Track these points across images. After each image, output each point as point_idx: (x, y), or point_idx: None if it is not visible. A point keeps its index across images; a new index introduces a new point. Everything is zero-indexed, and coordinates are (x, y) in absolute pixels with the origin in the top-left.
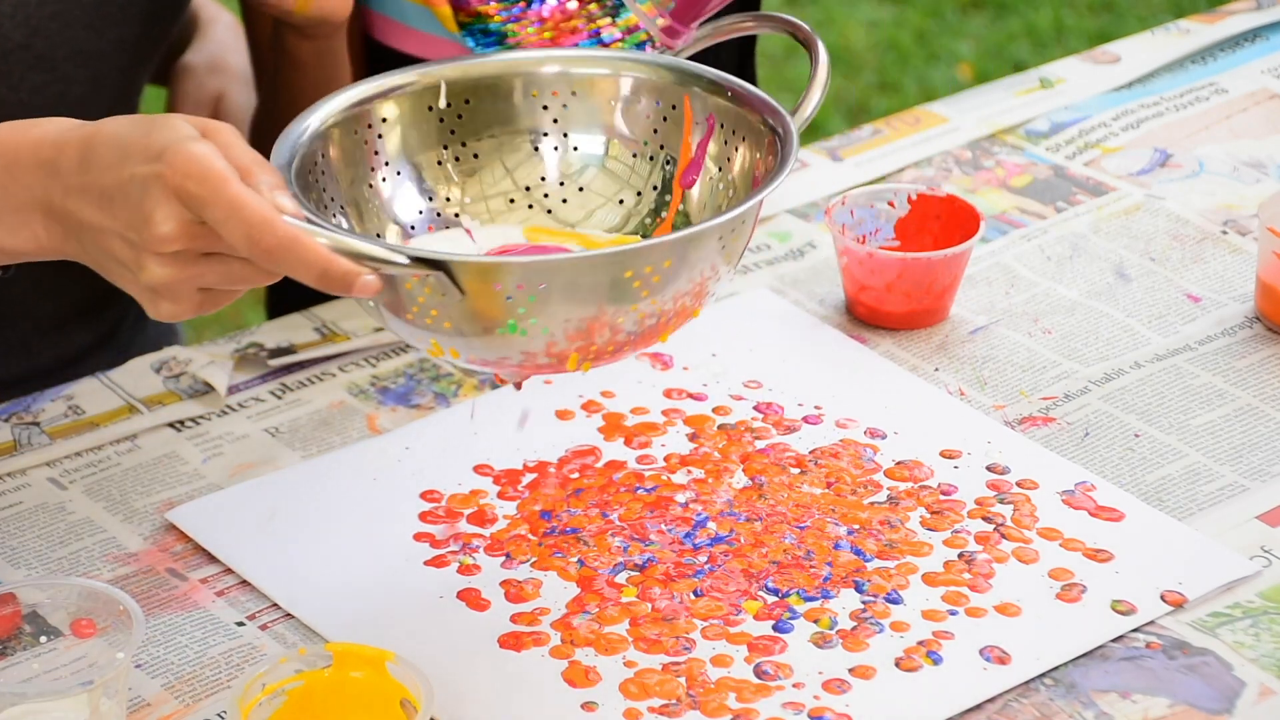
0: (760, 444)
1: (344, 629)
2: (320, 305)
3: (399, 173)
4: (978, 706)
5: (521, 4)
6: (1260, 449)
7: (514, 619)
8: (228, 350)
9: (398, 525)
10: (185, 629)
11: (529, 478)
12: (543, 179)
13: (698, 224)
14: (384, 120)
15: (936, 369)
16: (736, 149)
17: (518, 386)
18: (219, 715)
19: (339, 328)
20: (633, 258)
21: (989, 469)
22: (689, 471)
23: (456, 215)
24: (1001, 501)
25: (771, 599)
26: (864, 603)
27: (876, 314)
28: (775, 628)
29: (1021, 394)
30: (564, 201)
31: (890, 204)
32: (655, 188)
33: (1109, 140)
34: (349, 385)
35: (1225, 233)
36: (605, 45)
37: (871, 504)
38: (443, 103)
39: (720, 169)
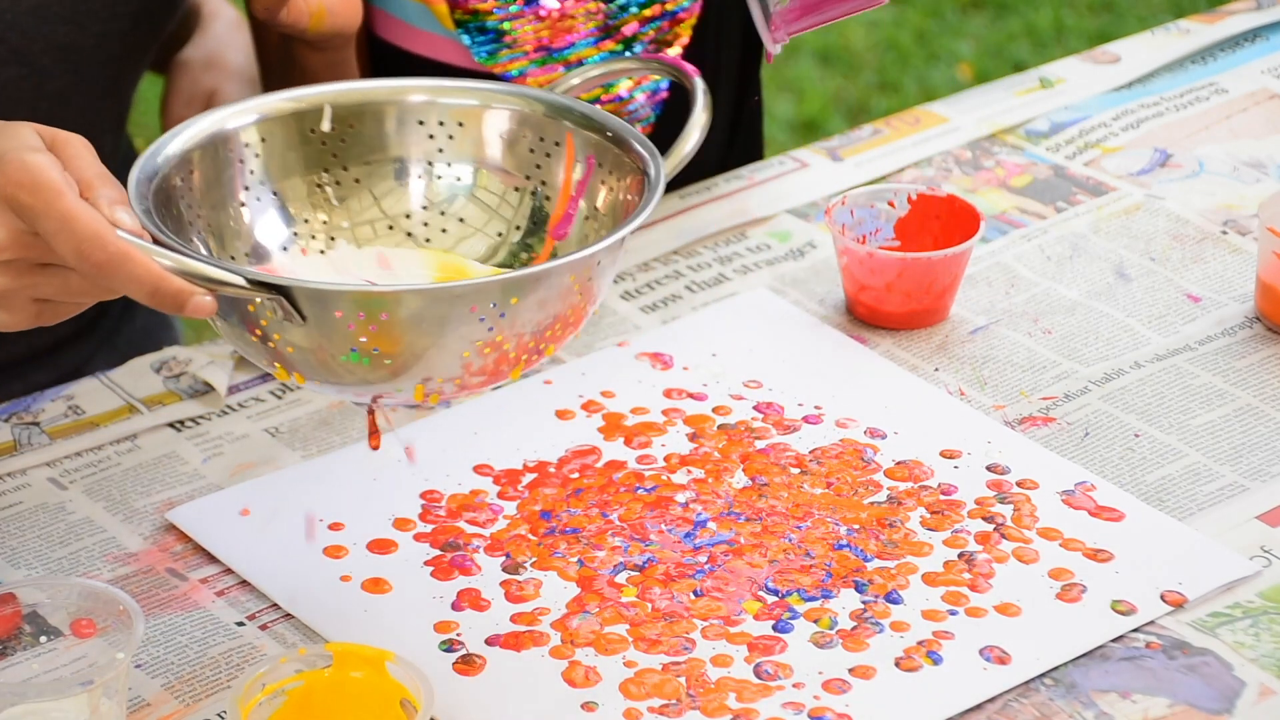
0: (760, 444)
1: (344, 629)
2: None
3: (265, 197)
4: (978, 706)
5: (520, 1)
6: (1260, 449)
7: (514, 619)
8: (228, 350)
9: (397, 525)
10: (185, 629)
11: (529, 478)
12: (420, 207)
13: (560, 257)
14: (260, 141)
15: (936, 369)
16: (609, 185)
17: (370, 412)
18: (219, 715)
19: None
20: (476, 293)
21: (989, 469)
22: (689, 471)
23: (320, 247)
24: (1001, 501)
25: (771, 599)
26: (864, 603)
27: (876, 314)
28: (775, 628)
29: (1021, 394)
30: (442, 231)
31: (890, 204)
32: (522, 223)
33: (1109, 140)
34: None
35: (1225, 233)
36: (606, 42)
37: (871, 504)
38: (326, 125)
39: (589, 204)
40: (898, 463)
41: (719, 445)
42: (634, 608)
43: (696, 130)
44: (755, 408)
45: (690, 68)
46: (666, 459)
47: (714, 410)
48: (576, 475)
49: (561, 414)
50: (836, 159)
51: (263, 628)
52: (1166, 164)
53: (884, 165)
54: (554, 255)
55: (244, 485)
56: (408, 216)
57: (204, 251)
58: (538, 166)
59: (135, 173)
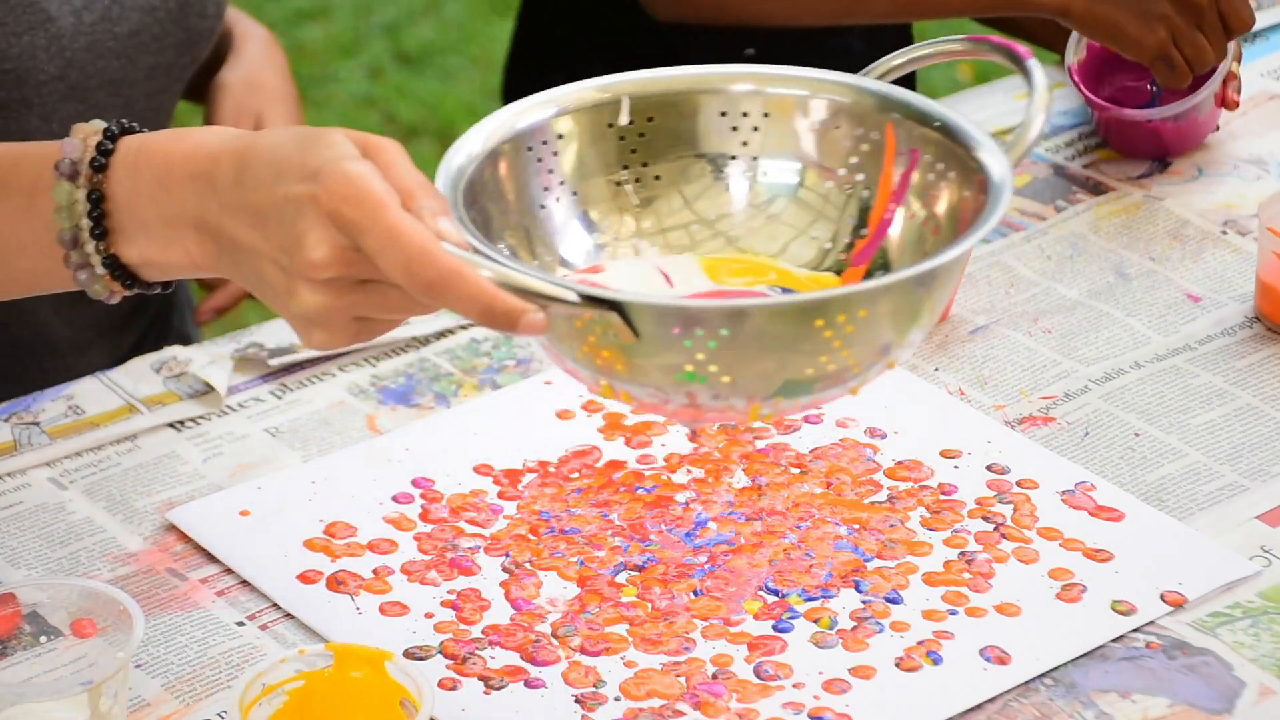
0: (760, 444)
1: (344, 629)
2: None
3: (573, 194)
4: (978, 706)
5: None
6: (1260, 449)
7: (514, 619)
8: (228, 350)
9: (398, 525)
10: (185, 629)
11: (529, 478)
12: (728, 211)
13: (898, 267)
14: (559, 137)
15: (936, 369)
16: (942, 185)
17: (692, 438)
18: (219, 715)
19: None
20: (825, 306)
21: (989, 469)
22: (689, 471)
23: (629, 252)
24: (1001, 501)
25: (771, 599)
26: (864, 603)
27: None
28: (775, 628)
29: (1021, 394)
30: (750, 233)
31: None
32: (851, 220)
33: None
34: (349, 385)
35: (1225, 233)
36: None
37: (871, 504)
38: (624, 119)
39: (923, 205)
40: (898, 463)
41: (719, 445)
42: (634, 608)
43: (1040, 116)
44: None
45: (1023, 49)
46: (666, 459)
47: None
48: (576, 475)
49: (561, 414)
50: None
51: (263, 628)
52: (1166, 171)
53: None
54: (877, 261)
55: (244, 485)
56: (711, 221)
57: (509, 256)
58: (853, 160)
59: (441, 175)
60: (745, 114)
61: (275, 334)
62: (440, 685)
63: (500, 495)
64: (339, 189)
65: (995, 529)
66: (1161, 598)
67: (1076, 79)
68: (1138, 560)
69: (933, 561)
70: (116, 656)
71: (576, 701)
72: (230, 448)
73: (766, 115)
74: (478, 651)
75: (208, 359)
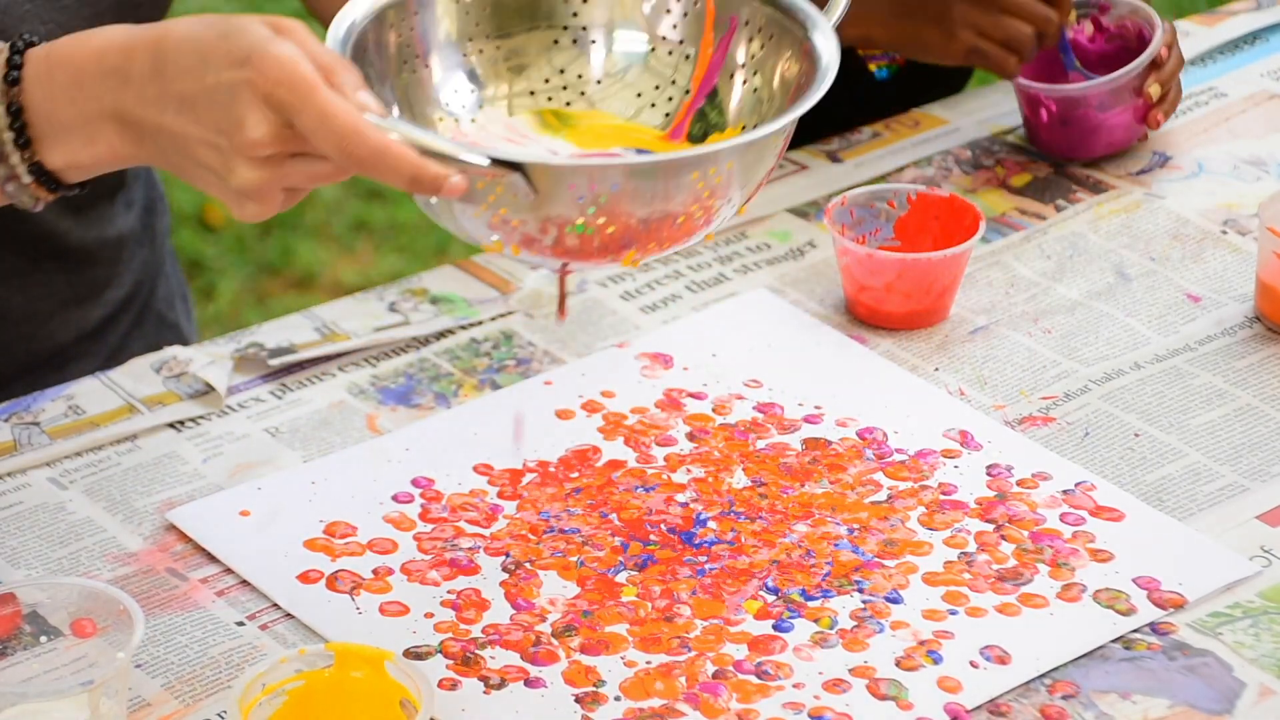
0: (760, 444)
1: (344, 629)
2: (321, 305)
3: (440, 59)
4: (978, 707)
5: None
6: (1260, 449)
7: (514, 619)
8: (228, 350)
9: (398, 525)
10: (185, 629)
11: (529, 478)
12: (580, 76)
13: (739, 129)
14: (425, 6)
15: (936, 369)
16: (774, 57)
17: (561, 274)
18: (219, 715)
19: (339, 327)
20: (704, 160)
21: (989, 469)
22: (689, 471)
23: (498, 106)
24: (1001, 501)
25: (771, 599)
26: (864, 602)
27: (876, 314)
28: (775, 627)
29: (1021, 394)
30: (580, 95)
31: (890, 204)
32: (682, 86)
33: None
34: (349, 385)
35: (1225, 233)
36: None
37: (871, 504)
38: None
39: (757, 75)
40: (898, 462)
41: (719, 445)
42: (634, 608)
43: None
44: (755, 407)
45: None
46: (666, 459)
47: (714, 410)
48: (576, 475)
49: (561, 414)
50: (836, 160)
51: (263, 628)
52: (1166, 165)
53: (883, 167)
54: (707, 106)
55: (244, 485)
56: (564, 88)
57: (400, 116)
58: (674, 28)
59: (330, 41)
60: None
61: (275, 334)
62: (440, 685)
63: (500, 495)
64: (272, 73)
65: (995, 529)
66: (1161, 598)
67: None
68: (1138, 560)
69: (933, 561)
70: (116, 656)
71: (576, 701)
72: (230, 448)
73: None
74: (478, 651)
75: (208, 359)
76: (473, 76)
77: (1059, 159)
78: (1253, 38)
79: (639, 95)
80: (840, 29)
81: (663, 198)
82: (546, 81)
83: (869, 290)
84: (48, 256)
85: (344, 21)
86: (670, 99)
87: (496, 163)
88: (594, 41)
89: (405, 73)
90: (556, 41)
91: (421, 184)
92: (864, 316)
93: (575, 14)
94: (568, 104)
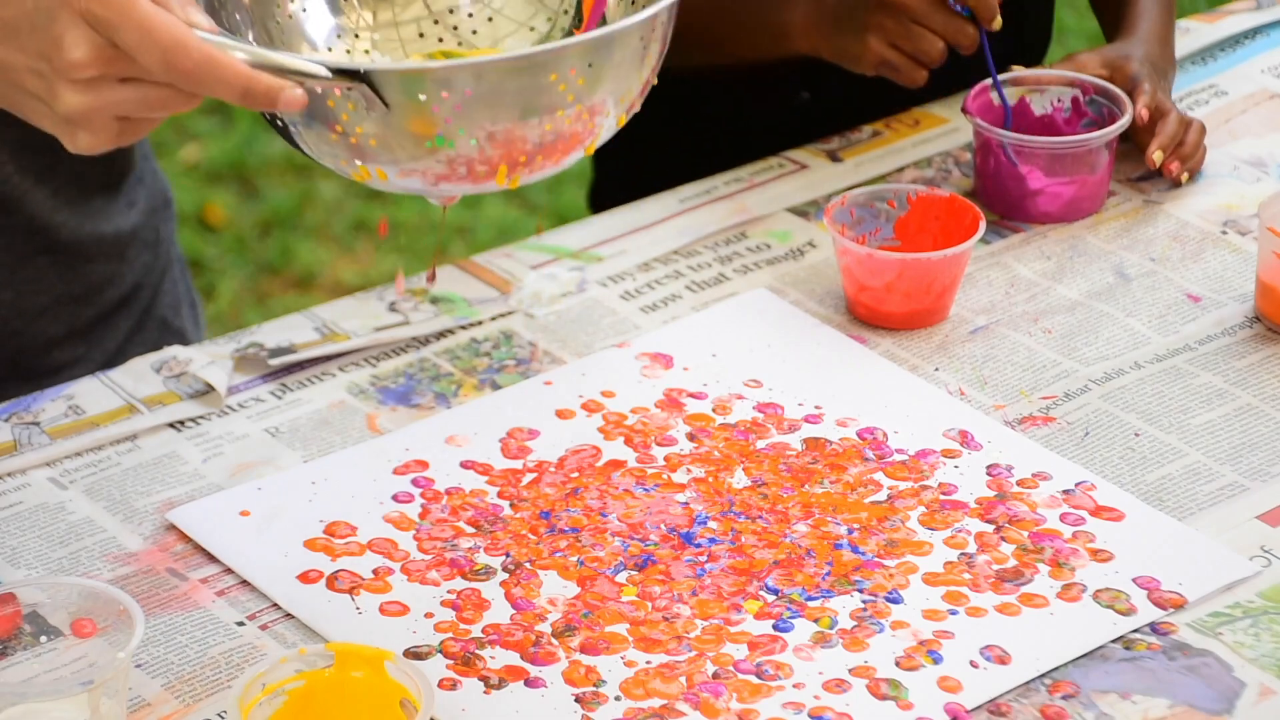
0: (760, 444)
1: (344, 629)
2: (321, 305)
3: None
4: (978, 707)
5: None
6: (1260, 449)
7: (514, 619)
8: (228, 350)
9: (397, 525)
10: (185, 629)
11: (529, 478)
12: (451, 10)
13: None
14: None
15: (936, 369)
16: None
17: (444, 207)
18: (219, 715)
19: (339, 327)
20: (556, 58)
21: (989, 469)
22: (689, 471)
23: (367, 51)
24: (1001, 501)
25: (771, 598)
26: (864, 602)
27: (876, 314)
28: (775, 627)
29: (1021, 394)
30: (473, 33)
31: (890, 204)
32: (568, 13)
33: None
34: (349, 385)
35: (1225, 233)
36: None
37: (871, 503)
38: None
39: None
40: (898, 462)
41: (719, 445)
42: (634, 608)
43: None
44: (755, 407)
45: None
46: (666, 459)
47: (714, 410)
48: (576, 475)
49: (561, 414)
50: (836, 160)
51: (263, 628)
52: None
53: (883, 166)
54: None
55: (244, 485)
56: (435, 23)
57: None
58: None
59: None
60: None
61: (275, 334)
62: (440, 685)
63: (500, 495)
64: None
65: (995, 529)
66: (1161, 598)
67: (971, 109)
68: (1138, 560)
69: (933, 561)
70: (116, 656)
71: (576, 701)
72: (230, 448)
73: None
74: (478, 651)
75: (207, 359)
76: (333, 5)
77: (995, 214)
78: (1253, 33)
79: (532, 30)
80: (763, 42)
81: (523, 104)
82: (423, 21)
83: (869, 290)
84: (39, 250)
85: None
86: (566, 31)
87: (338, 73)
88: None
89: (270, 21)
90: None
91: (254, 96)
92: (864, 316)
93: None
94: (459, 44)
